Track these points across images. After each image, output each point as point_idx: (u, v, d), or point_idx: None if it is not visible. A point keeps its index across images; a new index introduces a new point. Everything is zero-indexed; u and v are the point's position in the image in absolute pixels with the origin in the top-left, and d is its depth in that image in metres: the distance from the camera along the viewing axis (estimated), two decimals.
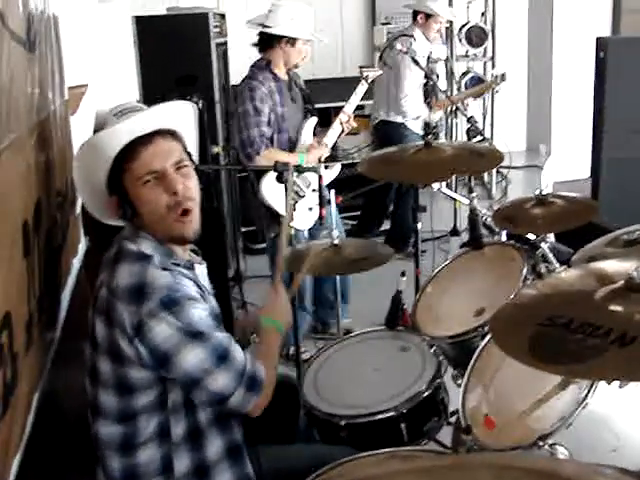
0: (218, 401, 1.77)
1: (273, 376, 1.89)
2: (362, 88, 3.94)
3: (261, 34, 3.78)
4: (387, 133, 5.22)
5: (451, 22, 6.28)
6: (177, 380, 1.75)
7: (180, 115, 1.90)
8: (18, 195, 1.61)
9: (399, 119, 5.20)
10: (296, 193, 3.70)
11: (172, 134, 1.85)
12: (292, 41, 3.70)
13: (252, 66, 3.81)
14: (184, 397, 1.79)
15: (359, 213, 5.78)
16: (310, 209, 3.77)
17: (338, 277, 3.69)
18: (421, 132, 5.27)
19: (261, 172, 3.55)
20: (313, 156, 3.75)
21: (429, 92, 5.18)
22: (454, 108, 6.31)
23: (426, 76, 4.93)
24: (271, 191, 3.60)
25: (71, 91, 2.52)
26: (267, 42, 3.76)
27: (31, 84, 1.81)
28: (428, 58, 5.25)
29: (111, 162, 1.77)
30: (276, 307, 2.06)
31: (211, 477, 1.84)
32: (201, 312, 1.76)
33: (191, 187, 1.84)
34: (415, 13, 5.18)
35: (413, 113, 5.17)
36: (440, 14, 5.10)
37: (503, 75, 5.46)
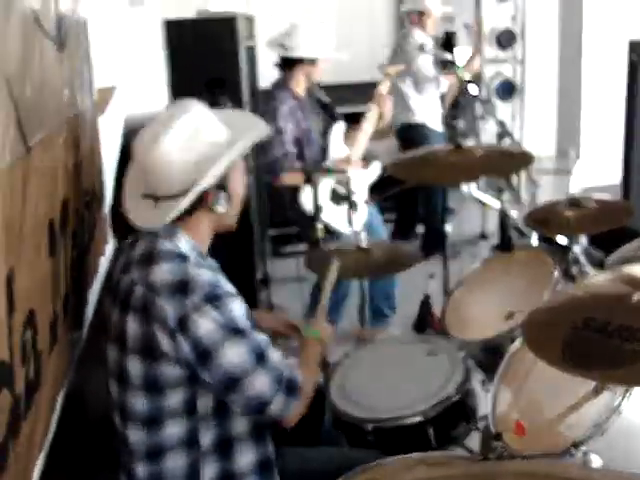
0: (258, 407, 1.73)
1: (310, 387, 1.86)
2: (385, 84, 3.94)
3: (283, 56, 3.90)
4: (409, 135, 5.23)
5: (480, 24, 6.24)
6: (214, 381, 1.70)
7: None
8: (45, 193, 1.60)
9: (419, 120, 5.22)
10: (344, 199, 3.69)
11: None
12: (314, 61, 3.84)
13: (272, 87, 3.96)
14: (215, 403, 1.75)
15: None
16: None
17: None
18: (441, 130, 5.32)
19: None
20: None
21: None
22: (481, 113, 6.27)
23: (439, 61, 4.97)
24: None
25: (99, 92, 2.52)
26: (289, 63, 3.89)
27: (60, 83, 1.81)
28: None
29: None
30: (320, 328, 2.06)
31: None
32: (240, 309, 1.74)
33: None
34: (408, 14, 5.27)
35: (426, 114, 5.22)
36: (432, 10, 5.17)
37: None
